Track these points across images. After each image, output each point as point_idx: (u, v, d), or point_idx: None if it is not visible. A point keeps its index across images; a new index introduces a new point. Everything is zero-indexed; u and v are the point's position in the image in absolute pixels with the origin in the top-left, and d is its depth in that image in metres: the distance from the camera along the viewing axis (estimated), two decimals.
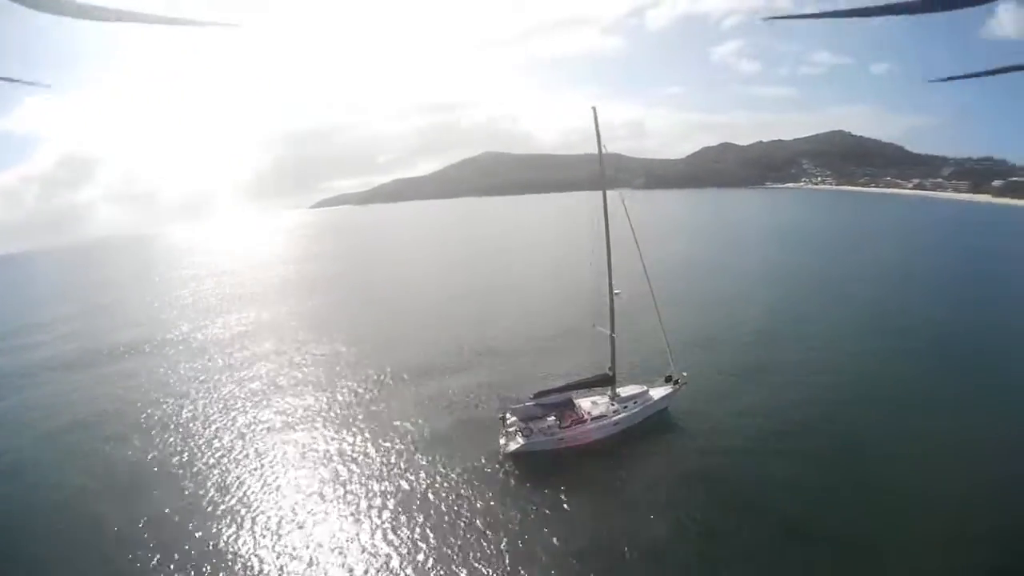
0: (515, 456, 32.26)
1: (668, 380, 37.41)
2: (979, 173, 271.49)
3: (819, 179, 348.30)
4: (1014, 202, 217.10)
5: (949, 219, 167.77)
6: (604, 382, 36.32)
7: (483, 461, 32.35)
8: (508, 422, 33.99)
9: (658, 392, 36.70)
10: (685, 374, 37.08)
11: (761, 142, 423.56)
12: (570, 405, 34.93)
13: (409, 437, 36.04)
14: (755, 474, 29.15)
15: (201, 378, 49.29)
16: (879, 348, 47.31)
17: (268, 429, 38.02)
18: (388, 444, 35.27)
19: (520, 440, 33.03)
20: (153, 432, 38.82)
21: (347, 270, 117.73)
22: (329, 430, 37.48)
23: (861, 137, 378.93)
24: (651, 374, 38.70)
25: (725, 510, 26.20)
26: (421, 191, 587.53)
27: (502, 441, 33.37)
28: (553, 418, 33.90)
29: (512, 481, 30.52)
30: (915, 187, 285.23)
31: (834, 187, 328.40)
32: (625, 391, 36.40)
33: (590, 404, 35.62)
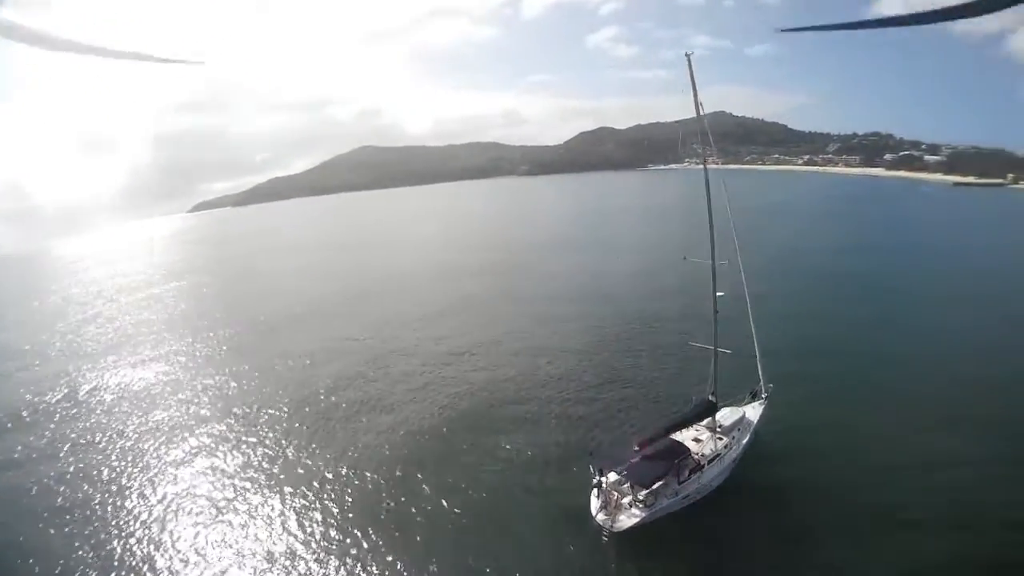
0: (630, 534, 24.97)
1: (753, 396, 33.79)
2: (868, 148, 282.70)
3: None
4: (911, 175, 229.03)
5: (868, 192, 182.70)
6: (708, 412, 31.19)
7: (575, 548, 25.12)
8: (607, 486, 27.01)
9: (750, 411, 32.69)
10: (771, 385, 33.54)
11: (640, 125, 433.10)
12: (680, 450, 28.70)
13: (456, 527, 27.40)
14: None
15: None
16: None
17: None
18: (424, 534, 26.83)
19: (638, 512, 25.80)
20: None
21: (253, 285, 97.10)
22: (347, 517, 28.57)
23: (743, 117, 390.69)
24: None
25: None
26: (298, 189, 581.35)
27: (601, 516, 25.82)
28: (663, 470, 26.88)
29: None
30: (806, 163, 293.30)
31: (721, 166, 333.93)
32: (722, 416, 31.88)
33: (694, 442, 30.30)
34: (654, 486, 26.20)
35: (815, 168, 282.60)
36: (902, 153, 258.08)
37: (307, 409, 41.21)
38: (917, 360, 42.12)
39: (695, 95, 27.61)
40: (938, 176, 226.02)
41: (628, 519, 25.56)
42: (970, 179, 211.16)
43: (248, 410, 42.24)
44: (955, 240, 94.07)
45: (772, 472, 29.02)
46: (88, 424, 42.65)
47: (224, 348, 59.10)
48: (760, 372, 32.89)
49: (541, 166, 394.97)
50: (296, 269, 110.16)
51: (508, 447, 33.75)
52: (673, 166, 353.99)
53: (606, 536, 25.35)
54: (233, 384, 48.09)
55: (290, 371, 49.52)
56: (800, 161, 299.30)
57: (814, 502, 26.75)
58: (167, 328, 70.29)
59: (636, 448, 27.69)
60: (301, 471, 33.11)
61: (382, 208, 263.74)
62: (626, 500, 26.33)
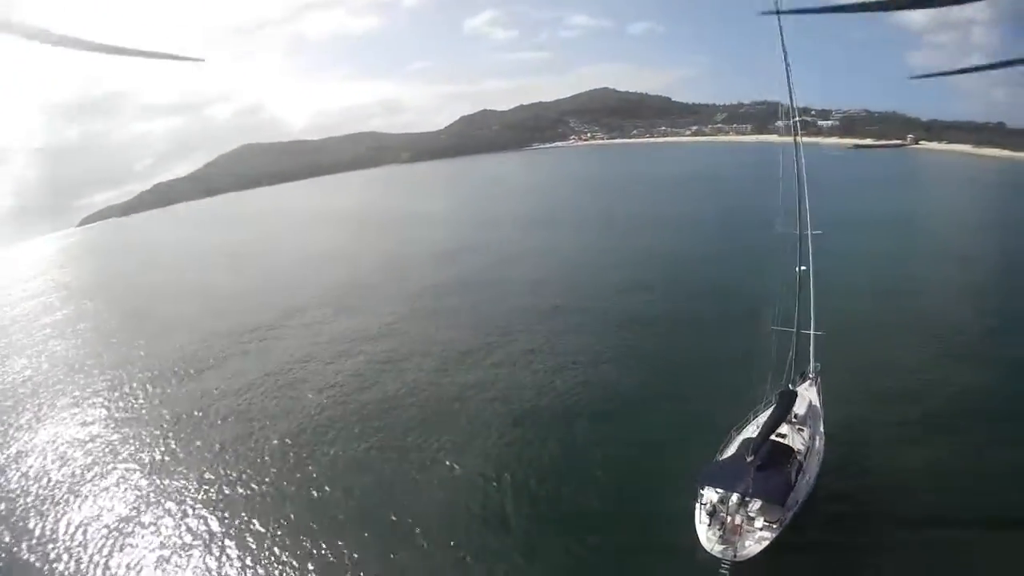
0: (758, 561, 21.35)
1: (803, 376, 31.01)
2: (756, 116, 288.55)
3: (588, 135, 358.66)
4: (808, 140, 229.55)
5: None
6: (791, 402, 27.54)
7: None
8: (728, 509, 23.07)
9: (812, 396, 29.68)
10: (818, 365, 30.94)
11: (522, 105, 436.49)
12: (785, 450, 25.21)
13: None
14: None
15: None
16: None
17: None
18: None
19: (768, 534, 22.06)
20: None
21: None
22: None
23: (626, 92, 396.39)
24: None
25: None
26: (184, 193, 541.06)
27: (719, 547, 21.77)
28: (785, 479, 23.51)
29: None
30: (694, 133, 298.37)
31: (606, 141, 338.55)
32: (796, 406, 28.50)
33: (786, 439, 26.33)
34: (787, 500, 22.84)
35: (705, 138, 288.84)
36: (794, 119, 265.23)
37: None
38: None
39: (786, 65, 26.91)
40: (834, 140, 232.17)
41: (757, 544, 22.26)
42: (868, 141, 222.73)
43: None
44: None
45: (850, 462, 27.20)
46: None
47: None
48: (811, 350, 30.98)
49: (423, 153, 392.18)
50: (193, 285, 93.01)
51: (578, 470, 29.54)
52: (558, 144, 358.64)
53: (726, 570, 21.58)
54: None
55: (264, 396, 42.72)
56: (688, 132, 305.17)
57: (899, 492, 25.56)
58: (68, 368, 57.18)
59: (750, 458, 24.12)
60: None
61: (259, 210, 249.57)
62: (752, 522, 23.07)
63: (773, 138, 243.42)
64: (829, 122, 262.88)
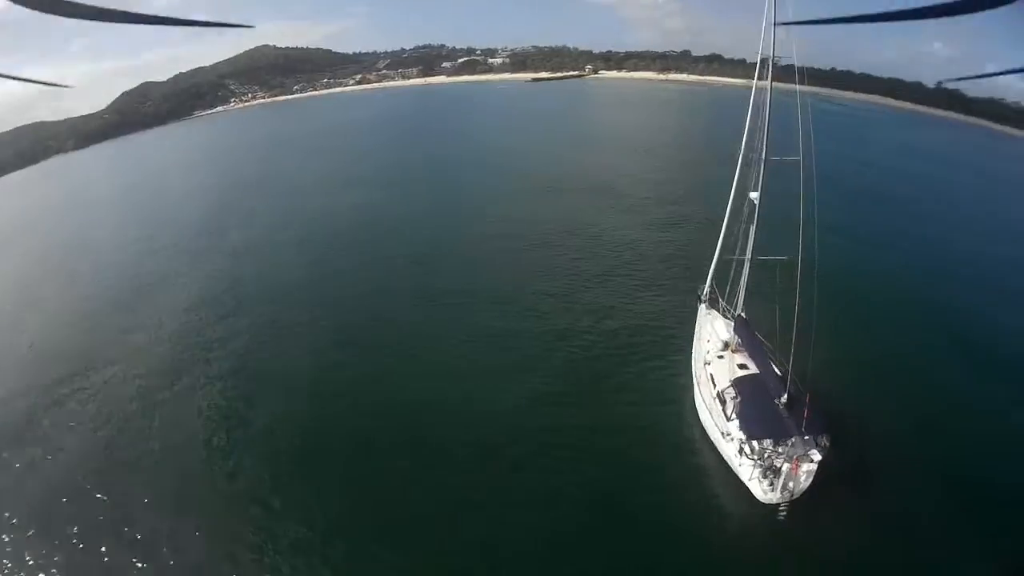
0: (808, 496, 24.01)
1: (698, 298, 38.24)
2: (421, 60, 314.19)
3: (248, 96, 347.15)
4: (480, 78, 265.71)
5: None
6: (750, 328, 32.64)
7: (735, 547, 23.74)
8: (781, 456, 24.49)
9: (724, 317, 36.18)
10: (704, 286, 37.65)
11: (182, 73, 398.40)
12: (784, 378, 28.18)
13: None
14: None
15: None
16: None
17: None
18: None
19: (810, 466, 24.33)
20: None
21: None
22: None
23: (286, 48, 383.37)
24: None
25: None
26: None
27: (775, 495, 23.97)
28: (809, 407, 24.78)
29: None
30: (359, 82, 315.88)
31: (268, 100, 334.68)
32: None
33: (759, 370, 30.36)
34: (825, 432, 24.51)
35: (370, 85, 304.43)
36: (461, 60, 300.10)
37: None
38: None
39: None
40: (506, 75, 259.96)
41: (807, 478, 24.00)
42: (543, 75, 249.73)
43: None
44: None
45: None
46: None
47: None
48: (710, 275, 35.49)
49: (87, 137, 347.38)
50: None
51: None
52: (220, 109, 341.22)
53: (784, 512, 23.25)
54: None
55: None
56: (352, 82, 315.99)
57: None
58: None
59: (781, 399, 26.19)
60: None
61: None
62: (799, 460, 24.10)
63: (440, 79, 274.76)
64: (499, 59, 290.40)
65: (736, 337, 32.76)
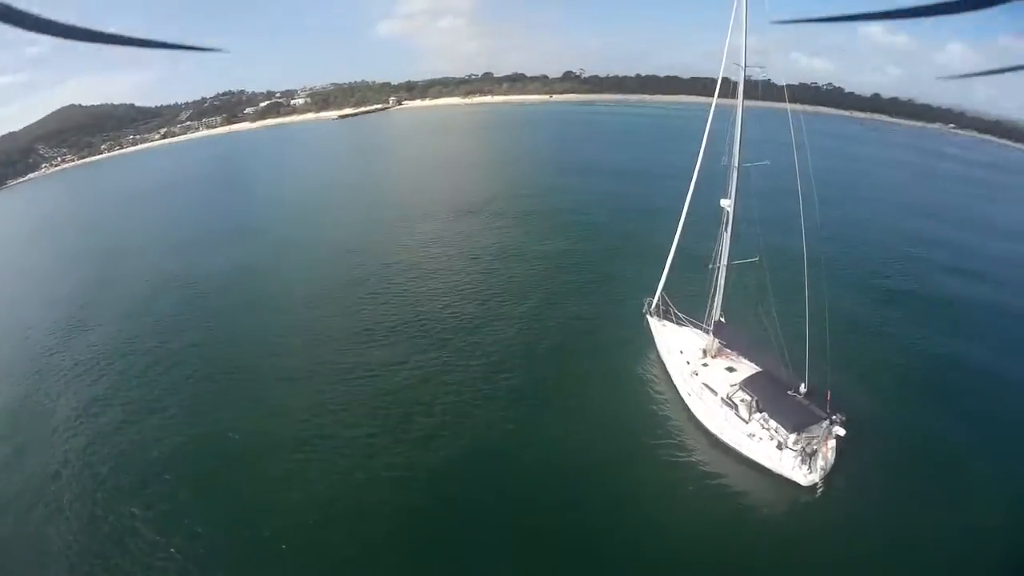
0: (836, 470, 26.98)
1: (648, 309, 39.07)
2: (223, 108, 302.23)
3: (58, 160, 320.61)
4: (286, 120, 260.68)
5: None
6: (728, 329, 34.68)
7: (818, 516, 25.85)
8: (815, 440, 27.01)
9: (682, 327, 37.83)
10: (650, 299, 38.75)
11: None
12: (776, 369, 30.33)
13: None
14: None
15: None
16: None
17: None
18: None
19: (832, 444, 27.22)
20: None
21: None
22: None
23: (92, 106, 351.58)
24: None
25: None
26: None
27: (813, 476, 26.48)
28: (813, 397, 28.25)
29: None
30: (163, 136, 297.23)
31: (79, 162, 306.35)
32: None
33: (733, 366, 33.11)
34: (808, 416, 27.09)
35: (175, 139, 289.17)
36: (263, 104, 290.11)
37: None
38: None
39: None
40: (310, 115, 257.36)
41: (831, 454, 26.77)
42: (348, 111, 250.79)
43: None
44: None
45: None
46: None
47: None
48: (661, 287, 37.42)
49: None
50: None
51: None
52: (32, 176, 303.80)
53: (822, 488, 26.05)
54: None
55: None
56: (157, 136, 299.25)
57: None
58: None
59: (800, 392, 28.35)
60: None
61: None
62: (823, 441, 26.67)
63: (245, 125, 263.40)
64: (300, 100, 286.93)
65: (716, 341, 34.00)
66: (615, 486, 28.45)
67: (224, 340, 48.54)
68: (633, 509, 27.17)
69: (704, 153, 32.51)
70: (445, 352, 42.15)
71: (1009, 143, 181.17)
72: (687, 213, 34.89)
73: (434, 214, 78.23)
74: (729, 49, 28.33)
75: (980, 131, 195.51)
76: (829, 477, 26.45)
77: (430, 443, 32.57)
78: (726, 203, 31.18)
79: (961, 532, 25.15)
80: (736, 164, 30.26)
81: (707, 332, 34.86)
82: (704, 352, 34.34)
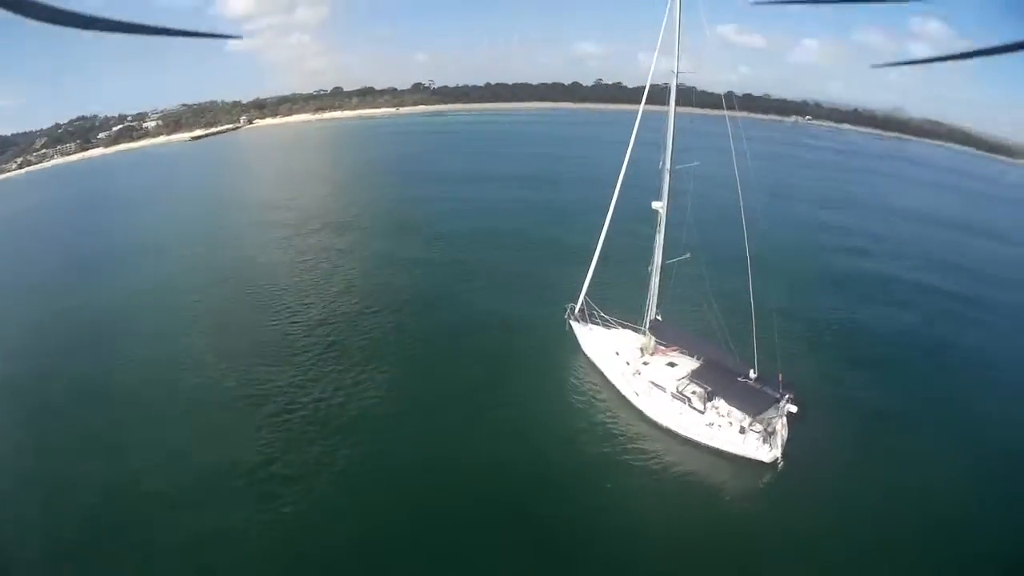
0: (790, 440, 28.41)
1: (571, 312, 38.67)
2: (76, 133, 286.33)
3: None
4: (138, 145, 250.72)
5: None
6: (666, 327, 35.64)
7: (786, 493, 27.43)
8: (774, 420, 28.87)
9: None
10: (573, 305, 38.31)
11: None
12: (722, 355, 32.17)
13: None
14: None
15: None
16: None
17: None
18: None
19: (784, 420, 28.80)
20: None
21: None
22: None
23: None
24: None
25: None
26: None
27: (773, 452, 27.99)
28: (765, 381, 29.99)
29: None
30: (20, 165, 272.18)
31: None
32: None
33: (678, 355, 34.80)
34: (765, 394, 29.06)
35: (31, 168, 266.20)
36: (116, 128, 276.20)
37: None
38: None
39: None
40: (161, 139, 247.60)
41: (784, 430, 28.28)
42: (200, 132, 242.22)
43: None
44: None
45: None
46: None
47: None
48: (584, 291, 37.54)
49: None
50: None
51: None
52: None
53: (782, 462, 27.57)
54: None
55: None
56: (14, 165, 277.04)
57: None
58: None
59: (751, 377, 29.98)
60: None
61: None
62: (776, 420, 28.55)
63: (99, 151, 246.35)
64: (152, 123, 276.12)
65: (653, 339, 35.01)
66: (581, 496, 27.80)
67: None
68: (605, 516, 26.72)
69: (628, 159, 33.40)
70: (347, 373, 39.39)
71: (870, 131, 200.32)
72: (611, 220, 35.55)
73: (314, 230, 75.14)
74: (661, 49, 29.45)
75: (836, 121, 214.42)
76: (787, 450, 27.86)
77: (355, 479, 29.65)
78: (658, 205, 32.16)
79: (903, 480, 28.02)
80: (668, 167, 31.33)
81: (642, 331, 35.59)
82: (642, 351, 35.06)
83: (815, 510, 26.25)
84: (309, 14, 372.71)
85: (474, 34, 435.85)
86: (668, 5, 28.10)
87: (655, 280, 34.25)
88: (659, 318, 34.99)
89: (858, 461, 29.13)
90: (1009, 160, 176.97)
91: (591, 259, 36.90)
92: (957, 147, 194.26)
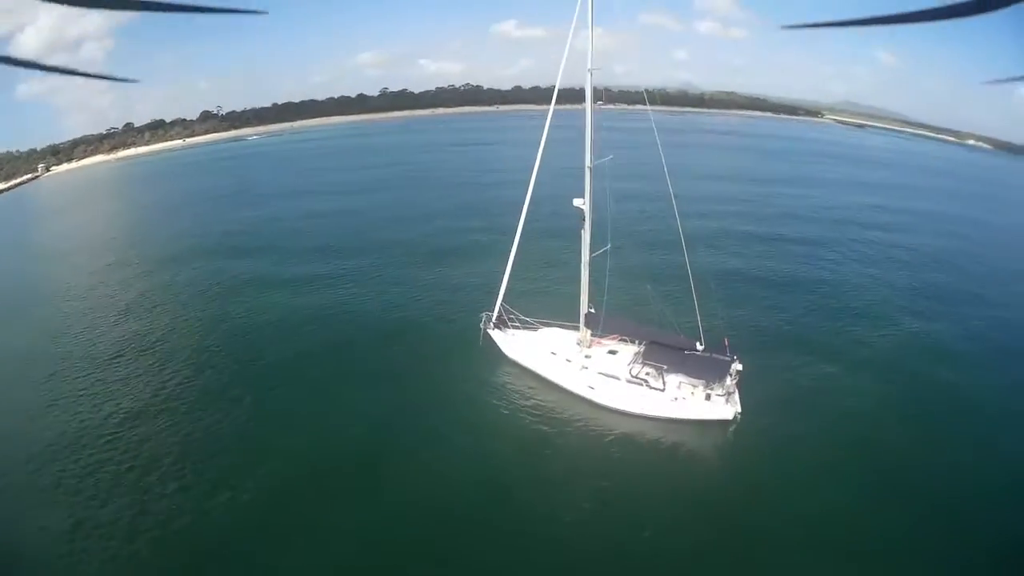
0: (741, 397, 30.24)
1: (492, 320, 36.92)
2: None
3: None
4: None
5: None
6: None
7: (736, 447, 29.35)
8: (726, 382, 30.52)
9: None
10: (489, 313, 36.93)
11: None
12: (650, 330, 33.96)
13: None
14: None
15: None
16: None
17: None
18: None
19: (735, 376, 30.67)
20: None
21: None
22: None
23: None
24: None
25: None
26: None
27: (726, 408, 29.78)
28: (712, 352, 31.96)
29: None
30: None
31: None
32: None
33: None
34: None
35: None
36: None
37: None
38: None
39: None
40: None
41: (735, 388, 30.13)
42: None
43: None
44: None
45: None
46: None
47: None
48: (501, 297, 35.87)
49: None
50: None
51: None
52: None
53: (740, 414, 29.34)
54: None
55: None
56: None
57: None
58: None
59: (698, 349, 31.75)
60: None
61: None
62: (732, 379, 30.12)
63: None
64: None
65: (588, 332, 34.66)
66: (572, 501, 26.08)
67: None
68: (600, 515, 25.45)
69: (539, 161, 33.56)
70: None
71: (664, 108, 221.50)
72: (524, 222, 35.04)
73: (157, 265, 63.67)
74: (570, 53, 30.79)
75: (629, 103, 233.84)
76: (743, 405, 29.69)
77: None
78: (579, 202, 32.38)
79: (842, 406, 31.97)
80: (589, 164, 31.99)
81: (575, 327, 35.34)
82: (579, 345, 34.77)
83: (775, 447, 28.76)
84: (95, 48, 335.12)
85: (251, 57, 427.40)
86: None
87: (585, 274, 34.38)
88: (592, 311, 34.91)
89: (799, 397, 32.69)
90: (809, 119, 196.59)
91: (505, 265, 35.66)
92: (756, 113, 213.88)
